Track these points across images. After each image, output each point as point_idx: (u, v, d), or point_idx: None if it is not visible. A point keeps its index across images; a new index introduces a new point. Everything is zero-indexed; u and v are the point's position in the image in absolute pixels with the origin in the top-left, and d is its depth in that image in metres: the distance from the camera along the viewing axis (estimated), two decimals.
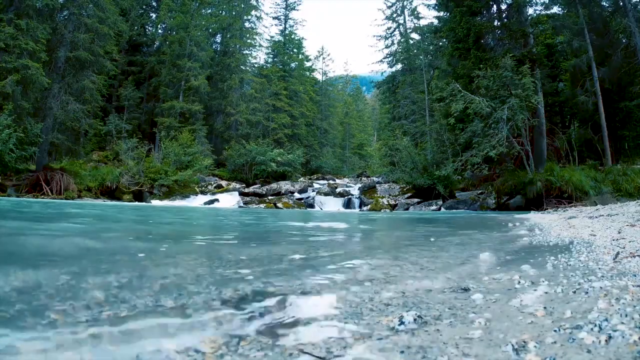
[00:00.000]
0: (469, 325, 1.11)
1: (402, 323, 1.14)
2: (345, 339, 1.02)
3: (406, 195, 17.32)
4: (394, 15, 32.19)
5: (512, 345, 0.92)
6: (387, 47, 32.68)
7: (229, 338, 1.01)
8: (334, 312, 1.27)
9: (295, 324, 1.12)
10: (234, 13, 32.51)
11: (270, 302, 1.35)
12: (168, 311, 1.26)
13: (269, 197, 18.67)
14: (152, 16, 30.62)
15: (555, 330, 1.00)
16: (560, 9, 17.04)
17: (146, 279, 1.74)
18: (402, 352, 0.93)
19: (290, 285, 1.58)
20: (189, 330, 1.08)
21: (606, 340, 0.90)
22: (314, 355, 0.90)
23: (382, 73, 33.19)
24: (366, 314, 1.26)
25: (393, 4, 32.06)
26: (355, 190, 19.48)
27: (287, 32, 36.06)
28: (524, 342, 0.93)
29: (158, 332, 1.06)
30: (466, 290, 1.60)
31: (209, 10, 30.14)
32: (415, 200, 16.31)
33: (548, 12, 17.40)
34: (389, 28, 32.53)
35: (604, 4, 17.46)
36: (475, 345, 0.95)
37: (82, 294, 1.41)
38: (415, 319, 1.16)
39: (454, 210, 14.42)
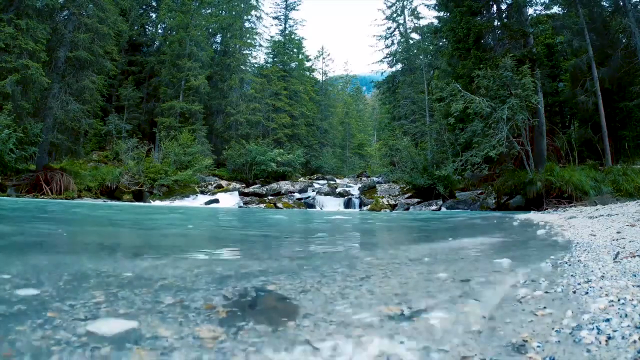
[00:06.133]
0: (469, 322, 1.11)
1: (402, 314, 1.14)
2: (346, 329, 1.02)
3: (406, 195, 17.32)
4: (394, 15, 32.23)
5: (513, 342, 0.92)
6: (387, 47, 32.75)
7: (228, 327, 1.01)
8: (335, 305, 1.27)
9: (295, 316, 1.12)
10: (234, 13, 32.52)
11: (270, 297, 1.35)
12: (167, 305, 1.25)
13: (269, 197, 18.67)
14: (152, 16, 30.62)
15: (555, 330, 1.00)
16: (560, 9, 17.03)
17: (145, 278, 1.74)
18: (401, 342, 0.93)
19: (291, 283, 1.59)
20: (188, 320, 1.08)
21: (606, 341, 0.90)
22: (313, 346, 0.90)
23: (382, 73, 33.24)
24: (366, 305, 1.26)
25: (393, 4, 32.10)
26: (355, 190, 19.48)
27: (287, 32, 36.06)
28: (524, 340, 0.93)
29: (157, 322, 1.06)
30: (466, 281, 1.60)
31: (209, 10, 30.14)
32: (415, 200, 16.31)
33: (548, 12, 17.40)
34: (389, 28, 32.58)
35: (604, 4, 17.47)
36: (476, 340, 0.95)
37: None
38: (416, 310, 1.16)
39: (454, 210, 14.41)
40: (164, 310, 1.19)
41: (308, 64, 37.61)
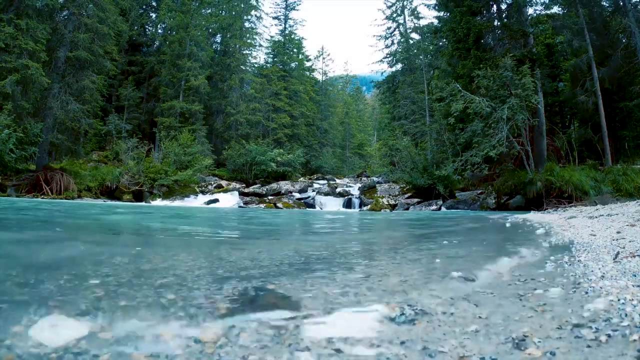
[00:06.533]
0: (469, 319, 1.11)
1: (402, 314, 1.14)
2: (345, 329, 1.02)
3: (406, 195, 17.32)
4: (394, 15, 32.24)
5: (512, 339, 0.92)
6: (387, 47, 32.77)
7: (229, 329, 1.01)
8: (334, 305, 1.27)
9: (294, 317, 1.13)
10: (234, 13, 32.52)
11: (271, 297, 1.35)
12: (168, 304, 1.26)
13: (269, 197, 18.67)
14: (152, 16, 30.63)
15: (555, 329, 1.00)
16: (560, 9, 17.04)
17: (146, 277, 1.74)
18: (402, 342, 0.93)
19: (291, 283, 1.59)
20: (189, 322, 1.08)
21: (606, 340, 0.90)
22: (310, 350, 0.90)
23: (382, 73, 33.25)
24: (366, 304, 1.26)
25: (393, 4, 32.11)
26: (355, 190, 19.48)
27: (287, 32, 36.07)
28: (524, 337, 0.94)
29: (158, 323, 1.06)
30: (467, 281, 1.60)
31: (209, 10, 30.14)
32: (415, 200, 16.31)
33: (548, 12, 17.41)
34: (389, 28, 32.60)
35: (604, 4, 17.48)
36: (475, 337, 0.96)
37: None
38: (416, 310, 1.16)
39: (454, 210, 14.41)
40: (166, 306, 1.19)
41: (308, 64, 37.63)
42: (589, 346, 0.88)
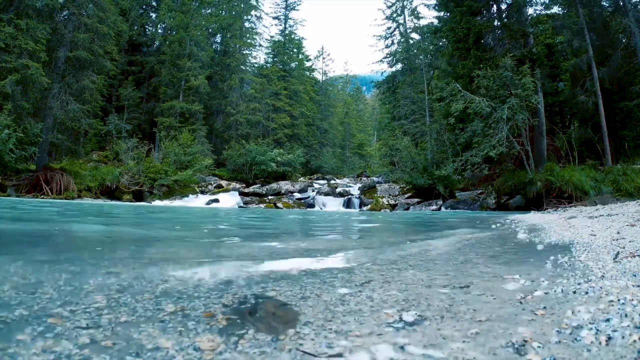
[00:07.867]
0: (468, 324, 1.11)
1: (401, 319, 1.14)
2: (345, 336, 1.02)
3: (406, 195, 17.32)
4: (394, 15, 32.26)
5: (513, 344, 0.91)
6: (387, 47, 32.79)
7: (228, 337, 1.00)
8: (334, 312, 1.27)
9: (295, 323, 1.12)
10: (234, 13, 32.54)
11: (270, 304, 1.34)
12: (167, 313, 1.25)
13: (269, 197, 18.68)
14: (152, 16, 30.64)
15: (555, 331, 0.99)
16: (560, 9, 17.05)
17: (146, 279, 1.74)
18: (401, 347, 0.93)
19: (290, 289, 1.58)
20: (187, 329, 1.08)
21: (606, 341, 0.90)
22: (311, 354, 0.90)
23: (382, 73, 33.27)
24: (366, 311, 1.25)
25: (393, 4, 32.12)
26: (355, 190, 19.49)
27: (287, 32, 36.10)
28: (524, 341, 0.93)
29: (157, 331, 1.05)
30: (466, 287, 1.59)
31: (209, 10, 30.16)
32: (415, 200, 16.31)
33: (548, 12, 17.42)
34: (389, 28, 32.62)
35: (604, 4, 17.49)
36: (475, 343, 0.95)
37: None
38: (415, 317, 1.16)
39: (454, 210, 14.41)
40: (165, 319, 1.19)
41: (308, 64, 37.66)
42: (588, 350, 0.87)
